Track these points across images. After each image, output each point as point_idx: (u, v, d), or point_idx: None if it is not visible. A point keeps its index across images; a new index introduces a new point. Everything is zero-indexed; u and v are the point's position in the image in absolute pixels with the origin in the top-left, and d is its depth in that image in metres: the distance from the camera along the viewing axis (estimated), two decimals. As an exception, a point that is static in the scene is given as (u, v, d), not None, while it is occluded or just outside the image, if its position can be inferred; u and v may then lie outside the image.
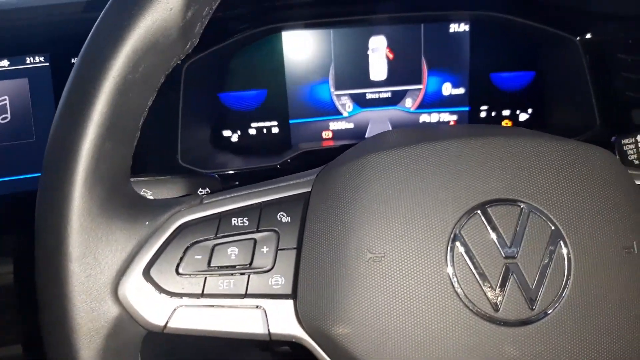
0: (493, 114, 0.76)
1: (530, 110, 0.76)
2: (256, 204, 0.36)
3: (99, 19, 0.31)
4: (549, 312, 0.31)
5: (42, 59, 0.63)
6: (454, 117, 0.76)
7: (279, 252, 0.34)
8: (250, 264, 0.34)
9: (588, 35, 0.69)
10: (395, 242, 0.32)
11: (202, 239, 0.34)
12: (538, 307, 0.31)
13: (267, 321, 0.34)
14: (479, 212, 0.32)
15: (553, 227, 0.32)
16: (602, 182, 0.34)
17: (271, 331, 0.34)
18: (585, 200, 0.33)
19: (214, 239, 0.34)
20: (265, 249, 0.34)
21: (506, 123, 0.77)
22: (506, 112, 0.76)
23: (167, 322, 0.33)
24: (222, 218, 0.35)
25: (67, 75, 0.64)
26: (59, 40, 0.62)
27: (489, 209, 0.32)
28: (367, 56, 0.73)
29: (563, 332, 0.31)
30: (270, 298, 0.34)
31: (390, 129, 0.76)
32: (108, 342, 0.31)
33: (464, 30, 0.73)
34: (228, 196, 0.36)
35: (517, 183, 0.33)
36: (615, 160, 0.36)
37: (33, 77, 0.64)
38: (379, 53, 0.73)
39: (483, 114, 0.76)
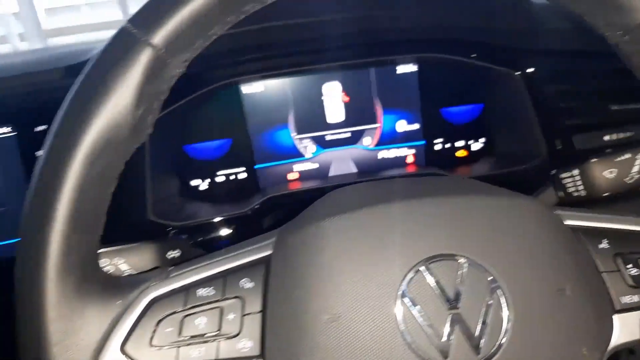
0: (447, 145, 0.80)
1: (482, 140, 0.81)
2: (220, 272, 0.38)
3: (56, 122, 0.33)
4: (493, 356, 0.34)
5: (8, 129, 0.65)
6: (412, 151, 0.80)
7: (244, 317, 0.37)
8: (219, 330, 0.36)
9: (528, 70, 0.74)
10: (349, 303, 0.35)
11: (171, 312, 0.36)
12: (483, 352, 0.34)
13: None
14: (422, 268, 0.35)
15: (490, 277, 0.35)
16: (533, 231, 0.37)
17: None
18: (518, 249, 0.36)
19: (182, 311, 0.37)
20: (231, 316, 0.37)
21: (461, 153, 0.81)
22: (460, 143, 0.81)
23: None
24: (189, 289, 0.37)
25: (33, 144, 0.65)
26: (24, 111, 0.64)
27: (430, 265, 0.35)
28: (322, 101, 0.77)
29: None
30: None
31: (354, 168, 0.80)
32: None
33: (412, 71, 0.77)
34: (193, 267, 0.39)
35: (454, 239, 0.36)
36: (543, 208, 0.39)
37: (0, 147, 0.65)
38: (334, 97, 0.77)
39: (438, 147, 0.80)
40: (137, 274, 0.40)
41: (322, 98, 0.76)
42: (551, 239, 0.38)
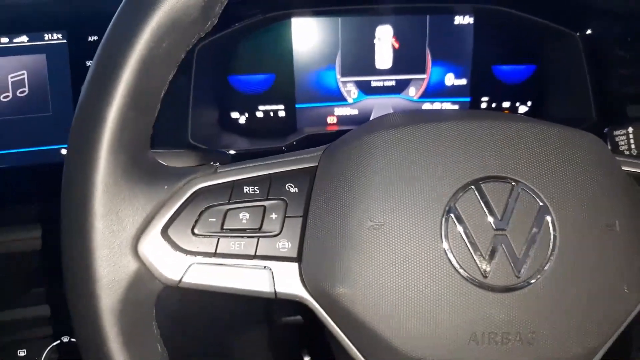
0: (493, 105, 0.79)
1: (529, 103, 0.79)
2: (266, 174, 0.39)
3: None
4: (534, 280, 0.34)
5: (59, 36, 0.65)
6: (456, 107, 0.79)
7: (286, 219, 0.37)
8: (260, 228, 0.37)
9: (588, 31, 0.71)
10: (395, 212, 0.35)
11: (216, 203, 0.37)
12: (524, 275, 0.34)
13: (274, 281, 0.36)
14: (472, 187, 0.35)
15: (541, 204, 0.35)
16: (589, 165, 0.36)
17: (277, 290, 0.36)
18: (572, 180, 0.36)
19: (227, 204, 0.37)
20: (274, 216, 0.37)
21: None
22: (506, 104, 0.79)
23: (181, 278, 0.35)
24: (235, 186, 0.38)
25: (83, 52, 0.66)
26: (76, 18, 0.64)
27: (482, 185, 0.35)
28: (373, 45, 0.75)
29: (545, 299, 0.34)
30: (277, 260, 0.37)
31: (393, 116, 0.79)
32: (127, 293, 0.34)
33: (468, 23, 0.75)
34: (241, 166, 0.39)
35: (509, 162, 0.35)
36: (602, 145, 0.38)
37: (51, 53, 0.66)
38: (385, 42, 0.75)
39: (484, 105, 0.79)
40: (186, 167, 0.40)
41: (374, 41, 0.75)
42: (606, 175, 0.36)
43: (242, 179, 0.38)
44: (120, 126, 0.33)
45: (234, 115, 0.77)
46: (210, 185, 0.37)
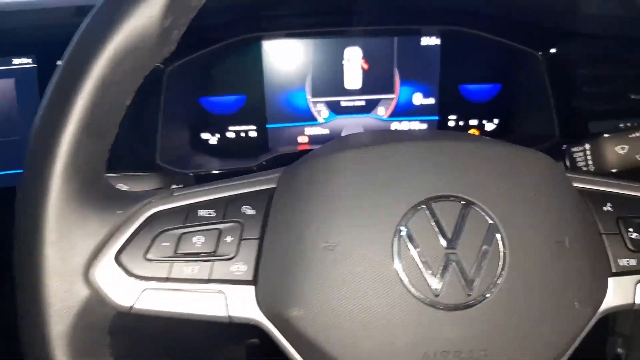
0: (461, 123, 0.80)
1: (496, 121, 0.80)
2: (223, 197, 0.39)
3: (84, 24, 0.34)
4: (485, 298, 0.34)
5: (29, 60, 0.66)
6: (424, 126, 0.80)
7: (242, 241, 0.37)
8: (215, 251, 0.37)
9: (551, 51, 0.73)
10: (348, 233, 0.35)
11: (170, 227, 0.37)
12: (475, 293, 0.34)
13: (227, 305, 0.36)
14: (423, 206, 0.35)
15: (491, 222, 0.35)
16: (539, 183, 0.37)
17: (231, 314, 0.36)
18: (521, 198, 0.36)
19: (182, 227, 0.37)
20: (229, 239, 0.37)
21: (473, 132, 0.81)
22: (473, 122, 0.80)
23: (134, 304, 0.35)
24: (190, 209, 0.38)
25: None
26: (46, 43, 0.65)
27: (432, 204, 0.35)
28: (342, 66, 0.77)
29: (497, 317, 0.34)
30: (232, 284, 0.37)
31: (364, 135, 0.80)
32: (78, 320, 0.34)
33: (435, 44, 0.77)
34: (197, 190, 0.39)
35: (459, 181, 0.36)
36: (553, 163, 0.39)
37: (19, 78, 0.66)
38: (354, 63, 0.77)
39: (451, 124, 0.80)
40: (142, 191, 0.40)
41: (343, 62, 0.76)
42: (556, 192, 0.37)
43: (198, 202, 0.38)
44: (74, 151, 0.33)
45: (205, 136, 0.77)
46: (165, 209, 0.37)
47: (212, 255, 0.37)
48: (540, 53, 0.73)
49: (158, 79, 0.69)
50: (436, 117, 0.80)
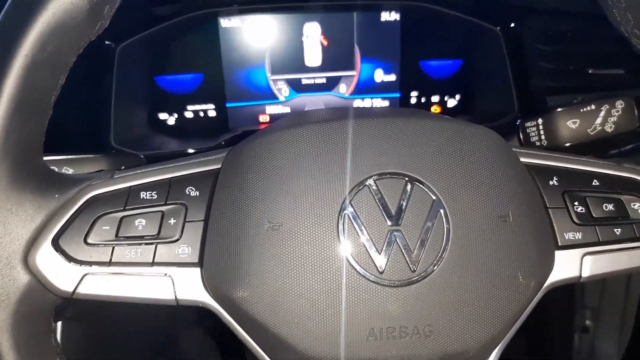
0: (423, 100, 0.80)
1: (457, 97, 0.80)
2: (166, 179, 0.38)
3: (9, 2, 0.32)
4: (428, 274, 0.34)
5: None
6: (386, 103, 0.79)
7: (186, 223, 0.37)
8: (158, 234, 0.36)
9: (510, 26, 0.73)
10: (292, 212, 0.35)
11: (111, 210, 0.36)
12: (419, 269, 0.34)
13: (174, 288, 0.36)
14: (367, 184, 0.35)
15: (434, 198, 0.35)
16: (483, 159, 0.37)
17: (178, 297, 0.36)
18: (465, 174, 0.36)
19: (122, 210, 0.36)
20: (172, 221, 0.36)
21: (435, 109, 0.80)
22: (435, 99, 0.80)
23: (75, 289, 0.34)
24: (131, 192, 0.37)
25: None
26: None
27: (376, 182, 0.35)
28: (301, 42, 0.75)
29: (441, 292, 0.34)
30: (177, 266, 0.36)
31: (326, 113, 0.79)
32: (19, 307, 0.33)
33: (395, 20, 0.76)
34: (138, 171, 0.38)
35: (403, 159, 0.36)
36: (498, 139, 0.39)
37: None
38: (313, 39, 0.75)
39: (413, 100, 0.80)
40: (80, 174, 0.39)
41: (303, 39, 0.75)
42: (501, 168, 0.37)
43: (140, 184, 0.37)
44: (5, 132, 0.31)
45: (163, 116, 0.75)
46: (104, 192, 0.36)
47: (155, 238, 0.36)
48: (498, 28, 0.72)
49: (109, 57, 0.67)
50: (398, 94, 0.79)
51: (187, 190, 0.37)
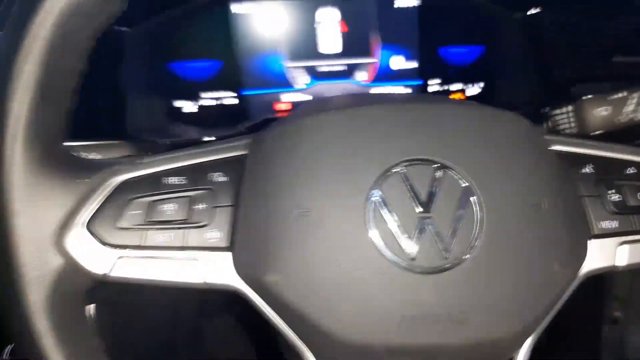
0: (444, 87, 0.79)
1: (478, 85, 0.79)
2: (194, 164, 0.37)
3: None
4: (461, 261, 0.34)
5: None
6: (407, 91, 0.78)
7: (215, 208, 0.36)
8: (187, 219, 0.36)
9: (532, 13, 0.72)
10: (320, 199, 0.34)
11: (140, 195, 0.35)
12: (451, 256, 0.34)
13: (204, 272, 0.36)
14: (396, 170, 0.34)
15: (465, 184, 0.35)
16: (513, 145, 0.36)
17: (207, 281, 0.36)
18: (496, 161, 0.35)
19: (151, 195, 0.36)
20: (201, 206, 0.36)
21: (456, 96, 0.79)
22: (456, 87, 0.79)
23: (109, 272, 0.34)
24: (159, 177, 0.36)
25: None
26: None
27: (406, 168, 0.34)
28: (319, 29, 0.74)
29: (474, 280, 0.34)
30: (207, 250, 0.36)
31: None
32: (54, 289, 0.33)
33: (413, 5, 0.74)
34: (167, 156, 0.38)
35: (432, 145, 0.35)
36: (528, 125, 0.38)
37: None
38: (330, 26, 0.74)
39: (434, 88, 0.78)
40: (109, 159, 0.39)
41: (315, 25, 0.73)
42: (533, 155, 0.37)
43: (168, 169, 0.37)
44: (29, 119, 0.31)
45: (178, 104, 0.75)
46: (133, 177, 0.36)
47: (184, 222, 0.36)
48: (520, 15, 0.71)
49: (120, 43, 0.66)
50: (418, 82, 0.78)
51: (214, 176, 0.37)
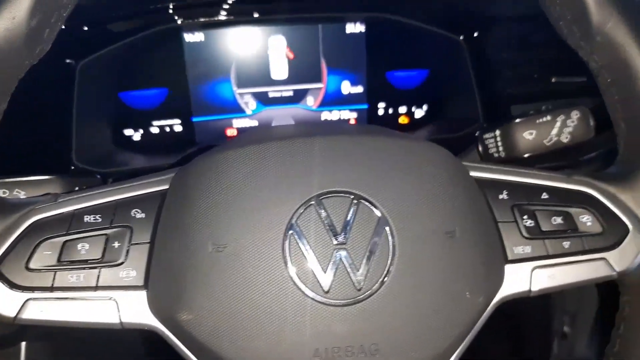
0: (390, 110, 0.80)
1: (425, 107, 0.81)
2: (112, 201, 0.37)
3: None
4: (374, 292, 0.34)
5: None
6: (354, 115, 0.80)
7: (131, 246, 0.36)
8: (102, 258, 0.35)
9: (473, 35, 0.74)
10: (237, 233, 0.34)
11: (53, 235, 0.35)
12: (364, 288, 0.34)
13: (119, 311, 0.35)
14: (313, 203, 0.35)
15: (379, 215, 0.35)
16: (429, 174, 0.37)
17: (123, 320, 0.35)
18: (411, 190, 0.36)
19: (65, 235, 0.35)
20: (117, 244, 0.36)
21: (403, 119, 0.81)
22: (403, 109, 0.80)
23: (17, 314, 0.34)
24: (75, 215, 0.36)
25: None
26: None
27: (322, 200, 0.35)
28: (267, 56, 0.75)
29: (387, 310, 0.34)
30: (122, 289, 0.35)
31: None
32: None
33: (360, 32, 0.76)
34: (83, 194, 0.37)
35: (348, 176, 0.36)
36: (445, 154, 0.39)
37: None
38: (278, 52, 0.75)
39: (381, 112, 0.80)
40: (25, 198, 0.39)
41: (265, 52, 0.74)
42: (448, 183, 0.37)
43: (84, 207, 0.37)
44: None
45: (128, 132, 0.75)
46: (48, 217, 0.36)
47: (98, 262, 0.35)
48: (462, 38, 0.73)
49: (69, 75, 0.66)
50: (365, 106, 0.79)
51: (132, 213, 0.37)
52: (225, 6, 0.72)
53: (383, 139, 0.38)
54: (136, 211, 0.37)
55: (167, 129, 0.76)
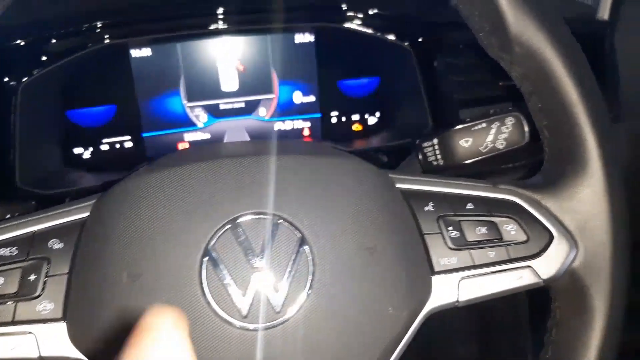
0: (343, 119, 0.80)
1: (377, 114, 0.81)
2: (29, 232, 0.37)
3: None
4: (293, 315, 0.34)
5: None
6: (307, 124, 0.79)
7: (48, 278, 0.35)
8: (17, 292, 0.35)
9: (419, 41, 0.74)
10: (152, 261, 0.34)
11: None
12: (283, 310, 0.34)
13: (38, 345, 0.35)
14: (229, 227, 0.35)
15: (299, 235, 0.35)
16: (349, 190, 0.37)
17: (43, 355, 0.35)
18: (330, 207, 0.36)
19: None
20: (32, 277, 0.35)
21: (356, 127, 0.81)
22: (356, 117, 0.80)
23: None
24: None
25: None
26: None
27: (240, 223, 0.35)
28: (216, 67, 0.75)
29: (308, 332, 0.34)
30: (40, 323, 0.35)
31: (247, 138, 0.78)
32: None
33: (309, 41, 0.76)
34: (1, 226, 0.37)
35: (266, 197, 0.35)
36: (367, 168, 0.39)
37: None
38: (228, 64, 0.75)
39: (334, 120, 0.80)
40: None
41: (214, 64, 0.74)
42: (367, 198, 0.37)
43: (0, 240, 0.36)
44: None
45: (78, 150, 0.74)
46: None
47: (14, 296, 0.35)
48: (408, 44, 0.73)
49: (10, 96, 0.65)
50: (318, 115, 0.79)
51: (49, 244, 0.36)
52: (171, 21, 0.71)
53: (302, 157, 0.38)
54: (54, 241, 0.36)
55: (117, 146, 0.75)
